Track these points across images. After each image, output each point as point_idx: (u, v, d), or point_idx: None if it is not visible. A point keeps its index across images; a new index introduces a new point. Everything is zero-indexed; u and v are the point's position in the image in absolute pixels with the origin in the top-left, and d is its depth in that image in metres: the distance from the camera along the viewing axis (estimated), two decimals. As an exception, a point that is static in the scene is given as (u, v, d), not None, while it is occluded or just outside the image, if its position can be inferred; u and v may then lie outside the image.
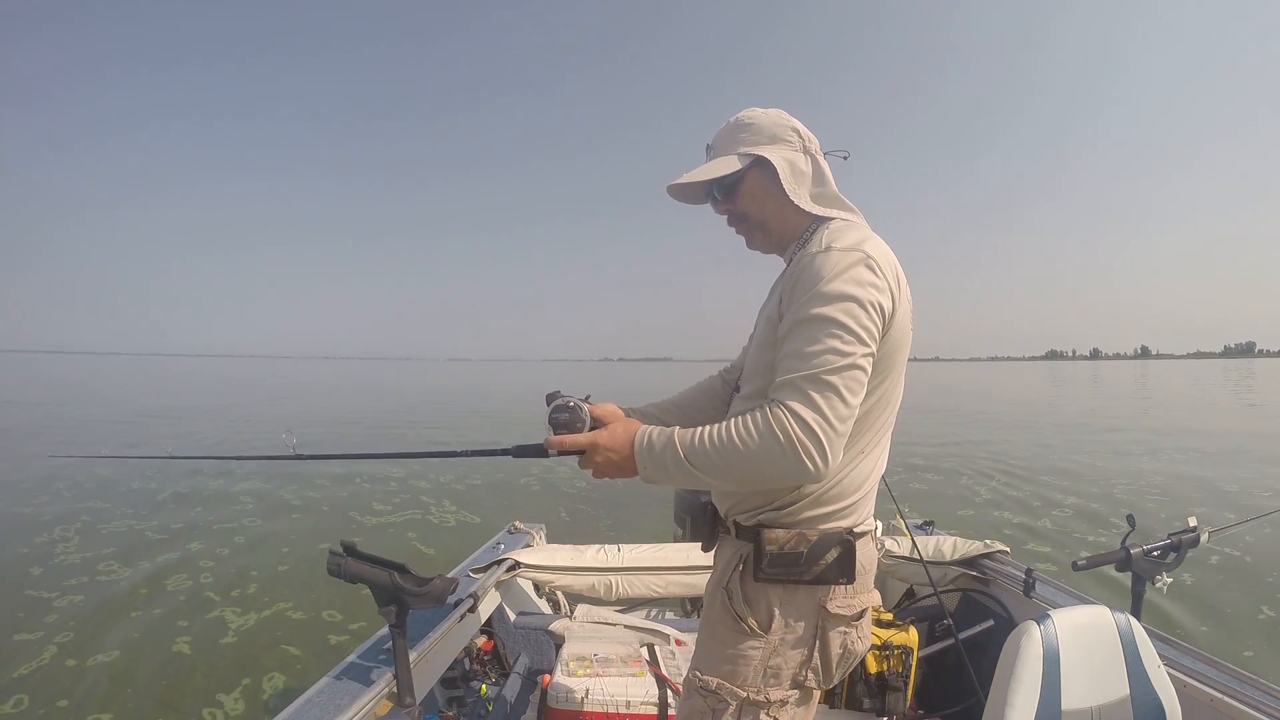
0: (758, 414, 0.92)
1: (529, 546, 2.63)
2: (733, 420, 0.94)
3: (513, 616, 2.48)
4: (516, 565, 2.41)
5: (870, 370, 0.96)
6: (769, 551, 1.02)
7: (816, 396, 0.89)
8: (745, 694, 1.04)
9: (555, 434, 1.04)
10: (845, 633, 1.05)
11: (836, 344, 0.92)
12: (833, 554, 1.01)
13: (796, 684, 1.05)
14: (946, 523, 3.17)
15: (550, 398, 1.07)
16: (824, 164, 1.13)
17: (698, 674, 1.10)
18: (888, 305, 0.97)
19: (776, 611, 1.03)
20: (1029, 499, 7.47)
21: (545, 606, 2.68)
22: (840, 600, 1.04)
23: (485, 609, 2.21)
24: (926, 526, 2.85)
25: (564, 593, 2.70)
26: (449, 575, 1.56)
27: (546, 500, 7.16)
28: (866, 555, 1.08)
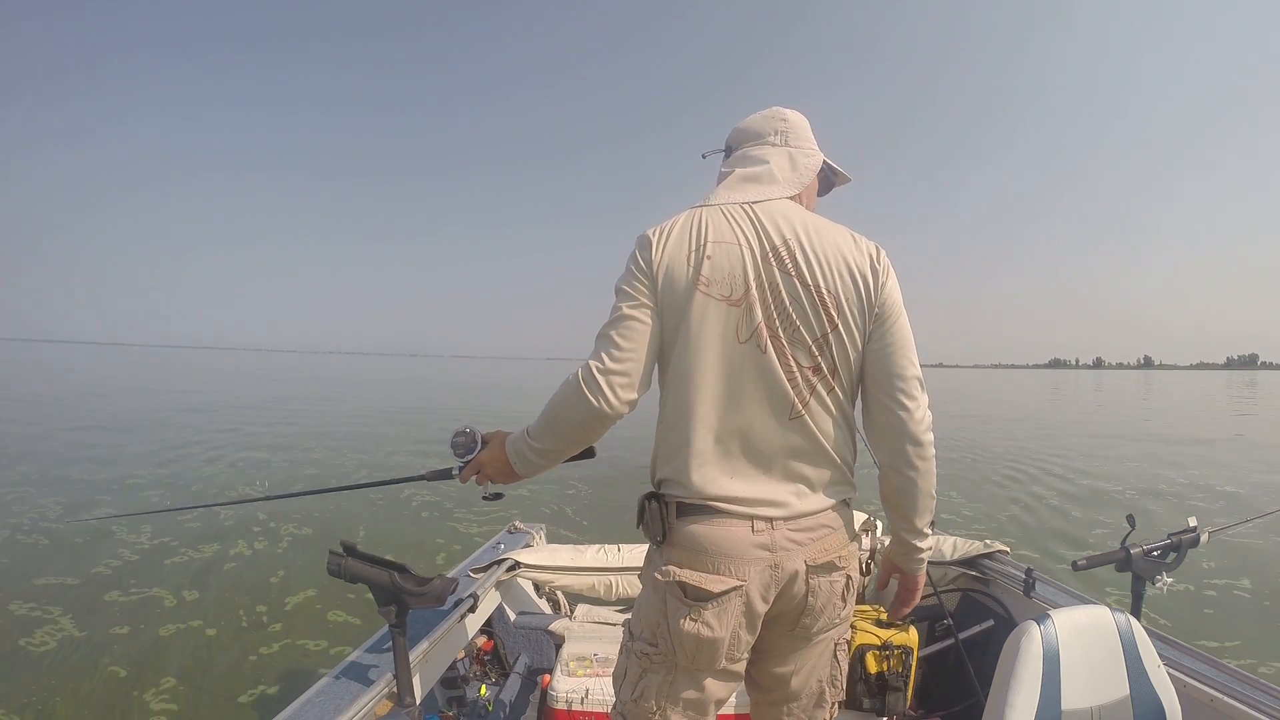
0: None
1: (529, 546, 2.63)
2: None
3: (513, 616, 2.49)
4: (516, 565, 2.40)
5: (648, 322, 1.09)
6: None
7: (596, 347, 1.10)
8: (629, 636, 1.16)
9: (455, 454, 1.27)
10: (680, 609, 1.05)
11: (613, 305, 1.11)
12: (644, 513, 1.12)
13: (653, 643, 1.09)
14: (946, 523, 3.16)
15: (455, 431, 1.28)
16: (742, 153, 1.23)
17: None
18: (644, 261, 1.10)
19: (646, 564, 1.16)
20: (1029, 499, 7.47)
21: (545, 606, 2.68)
22: (664, 567, 1.08)
23: (485, 609, 2.21)
24: None
25: (564, 593, 2.69)
26: (449, 575, 1.56)
27: (546, 500, 7.15)
28: (707, 535, 1.04)
